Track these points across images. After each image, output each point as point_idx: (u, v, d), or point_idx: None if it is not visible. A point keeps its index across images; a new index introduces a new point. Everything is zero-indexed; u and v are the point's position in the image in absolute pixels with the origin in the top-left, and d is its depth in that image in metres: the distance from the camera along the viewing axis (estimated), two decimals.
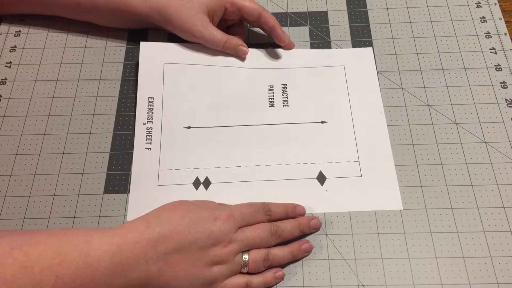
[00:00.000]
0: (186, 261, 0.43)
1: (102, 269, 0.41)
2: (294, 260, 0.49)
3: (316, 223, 0.50)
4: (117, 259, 0.41)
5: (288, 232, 0.48)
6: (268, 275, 0.47)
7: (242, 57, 0.60)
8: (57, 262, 0.40)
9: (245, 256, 0.46)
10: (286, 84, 0.59)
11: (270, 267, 0.47)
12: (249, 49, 0.60)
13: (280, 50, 0.61)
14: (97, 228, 0.44)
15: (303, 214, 0.50)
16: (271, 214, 0.48)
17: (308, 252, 0.49)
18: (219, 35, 0.58)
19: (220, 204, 0.48)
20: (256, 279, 0.46)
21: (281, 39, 0.59)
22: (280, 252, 0.47)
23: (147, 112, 0.57)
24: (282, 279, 0.48)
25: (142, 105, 0.57)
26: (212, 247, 0.44)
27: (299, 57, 0.61)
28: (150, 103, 0.57)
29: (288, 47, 0.60)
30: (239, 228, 0.46)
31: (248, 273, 0.47)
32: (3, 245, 0.40)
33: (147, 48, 0.60)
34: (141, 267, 0.42)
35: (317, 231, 0.50)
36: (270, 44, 0.62)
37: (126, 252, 0.42)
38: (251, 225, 0.47)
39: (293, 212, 0.50)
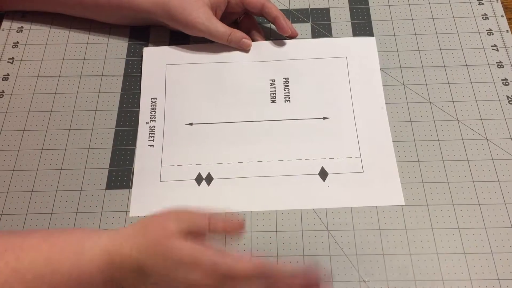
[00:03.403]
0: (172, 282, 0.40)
1: (94, 282, 0.40)
2: None
3: None
4: (107, 276, 0.40)
5: None
6: None
7: (245, 51, 0.60)
8: (50, 271, 0.39)
9: None
10: (287, 78, 0.59)
11: None
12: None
13: (281, 41, 0.61)
14: (90, 233, 0.42)
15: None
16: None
17: None
18: (223, 28, 0.58)
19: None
20: None
21: (285, 29, 0.59)
22: None
23: (150, 112, 0.57)
24: None
25: (145, 105, 0.58)
26: (190, 273, 0.39)
27: (301, 48, 0.61)
28: (153, 103, 0.58)
29: (292, 36, 0.61)
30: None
31: None
32: None
33: (150, 53, 0.61)
34: (133, 281, 0.41)
35: None
36: (271, 35, 0.62)
37: (115, 271, 0.40)
38: None
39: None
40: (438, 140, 0.55)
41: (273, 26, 0.62)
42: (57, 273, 0.39)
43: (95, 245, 0.41)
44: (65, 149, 0.56)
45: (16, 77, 0.61)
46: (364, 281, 0.47)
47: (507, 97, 0.58)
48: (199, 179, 0.53)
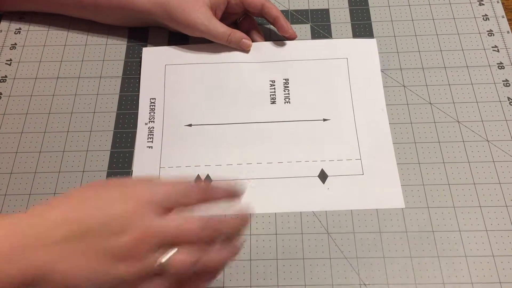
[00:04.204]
0: (85, 251, 0.34)
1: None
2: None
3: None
4: (6, 244, 0.33)
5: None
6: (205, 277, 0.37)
7: (245, 51, 0.60)
8: None
9: (165, 257, 0.34)
10: (287, 79, 0.59)
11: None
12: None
13: (281, 42, 0.61)
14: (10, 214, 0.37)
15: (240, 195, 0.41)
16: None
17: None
18: (223, 28, 0.58)
19: (149, 180, 0.39)
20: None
21: (284, 29, 0.59)
22: (217, 257, 0.37)
23: (149, 112, 0.57)
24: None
25: (144, 105, 0.58)
26: (119, 234, 0.34)
27: (301, 49, 0.61)
28: (152, 104, 0.58)
29: (291, 37, 0.61)
30: (163, 213, 0.36)
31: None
32: None
33: (149, 53, 0.61)
34: (32, 254, 0.33)
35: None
36: (271, 36, 0.62)
37: (19, 236, 0.33)
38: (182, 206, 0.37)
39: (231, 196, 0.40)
40: (439, 142, 0.55)
41: (272, 27, 0.62)
42: None
43: (4, 217, 0.35)
44: (63, 151, 0.55)
45: (14, 79, 0.61)
46: (365, 284, 0.47)
47: (508, 98, 0.57)
48: (198, 181, 0.53)
